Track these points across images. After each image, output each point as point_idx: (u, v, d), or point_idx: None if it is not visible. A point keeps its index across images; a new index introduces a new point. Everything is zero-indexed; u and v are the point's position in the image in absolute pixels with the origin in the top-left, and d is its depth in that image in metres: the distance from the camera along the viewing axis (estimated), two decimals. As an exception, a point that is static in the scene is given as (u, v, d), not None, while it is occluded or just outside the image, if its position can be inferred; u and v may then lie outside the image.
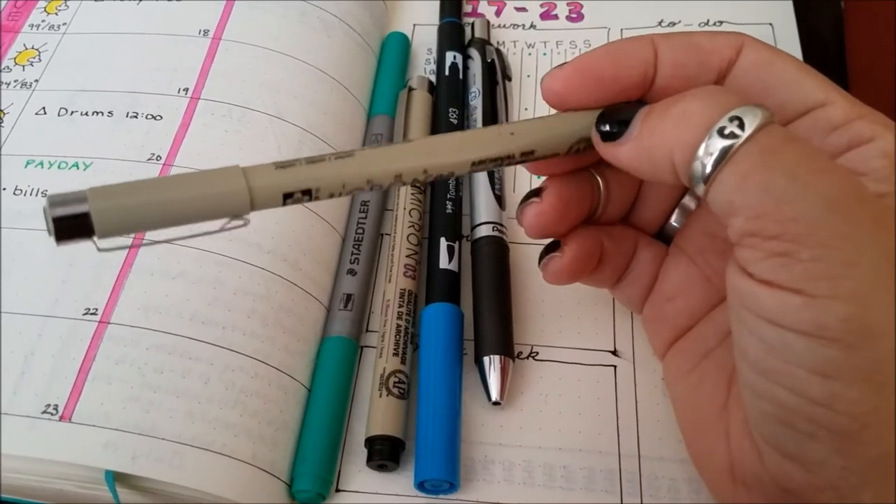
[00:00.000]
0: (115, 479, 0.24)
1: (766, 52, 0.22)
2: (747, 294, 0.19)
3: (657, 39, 0.23)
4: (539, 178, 0.36)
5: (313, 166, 0.21)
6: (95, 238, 0.18)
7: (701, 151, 0.19)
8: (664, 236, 0.27)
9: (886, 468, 0.18)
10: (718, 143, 0.19)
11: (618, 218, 0.27)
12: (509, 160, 0.23)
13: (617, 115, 0.22)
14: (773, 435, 0.20)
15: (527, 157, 0.23)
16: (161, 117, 0.32)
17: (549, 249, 0.26)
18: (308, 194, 0.21)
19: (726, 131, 0.19)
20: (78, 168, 0.31)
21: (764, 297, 0.18)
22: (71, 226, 0.18)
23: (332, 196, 0.21)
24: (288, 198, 0.20)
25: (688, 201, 0.27)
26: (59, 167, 0.31)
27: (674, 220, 0.27)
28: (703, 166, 0.19)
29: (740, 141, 0.18)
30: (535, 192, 0.25)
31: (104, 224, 0.18)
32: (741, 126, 0.19)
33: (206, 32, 0.35)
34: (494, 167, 0.23)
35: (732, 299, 0.20)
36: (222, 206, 0.19)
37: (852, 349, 0.18)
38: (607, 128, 0.22)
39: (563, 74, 0.23)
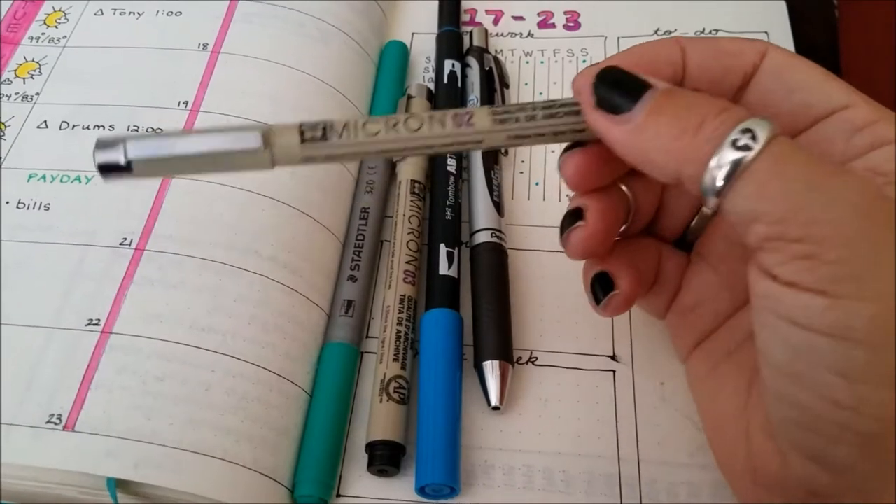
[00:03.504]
0: (118, 485, 0.24)
1: (789, 57, 0.23)
2: (772, 297, 0.19)
3: (684, 42, 0.23)
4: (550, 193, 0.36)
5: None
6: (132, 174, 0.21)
7: (713, 163, 0.19)
8: (684, 243, 0.27)
9: None
10: (730, 155, 0.19)
11: (642, 229, 0.27)
12: (531, 108, 0.22)
13: (622, 84, 0.21)
14: (798, 439, 0.20)
15: (551, 101, 0.22)
16: (161, 130, 0.33)
17: (604, 287, 0.25)
18: (322, 126, 0.22)
19: (739, 143, 0.19)
20: (80, 182, 0.31)
21: (789, 299, 0.18)
22: (112, 168, 0.21)
23: (345, 130, 0.22)
24: (302, 127, 0.22)
25: (707, 208, 0.27)
26: (61, 181, 0.31)
27: (693, 226, 0.27)
28: (715, 178, 0.19)
29: (755, 152, 0.19)
30: (578, 215, 0.24)
31: (140, 169, 0.21)
32: (754, 138, 0.19)
33: (205, 46, 0.35)
34: (515, 121, 0.22)
35: (757, 303, 0.20)
36: (241, 141, 0.21)
37: (879, 350, 0.18)
38: (606, 95, 0.21)
39: (588, 71, 0.22)
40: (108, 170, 0.21)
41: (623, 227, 0.26)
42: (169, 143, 0.21)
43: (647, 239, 0.27)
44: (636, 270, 0.26)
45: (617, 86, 0.21)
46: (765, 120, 0.19)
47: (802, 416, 0.19)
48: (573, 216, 0.24)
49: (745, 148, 0.19)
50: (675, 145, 0.20)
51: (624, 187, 0.25)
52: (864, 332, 0.17)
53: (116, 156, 0.21)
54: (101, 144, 0.21)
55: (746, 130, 0.19)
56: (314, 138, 0.22)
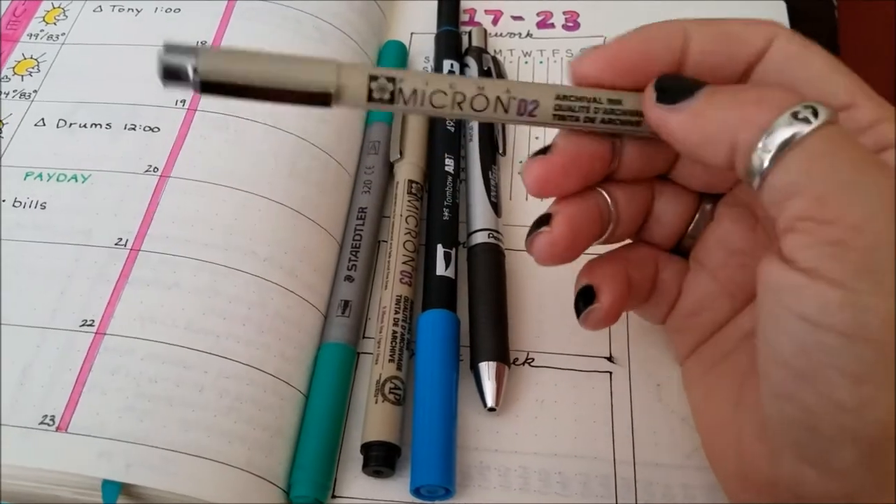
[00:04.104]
0: (121, 489, 0.24)
1: (798, 45, 0.22)
2: (786, 288, 0.19)
3: (689, 26, 0.23)
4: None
5: (402, 70, 0.22)
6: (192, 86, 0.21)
7: (768, 132, 0.19)
8: (681, 248, 0.27)
9: None
10: (787, 130, 0.19)
11: (628, 236, 0.27)
12: (596, 103, 0.22)
13: (681, 81, 0.22)
14: (795, 439, 0.20)
15: (614, 106, 0.22)
16: (159, 129, 0.32)
17: (585, 300, 0.25)
18: (392, 82, 0.21)
19: (800, 115, 0.19)
20: (76, 181, 0.31)
21: (804, 289, 0.18)
22: (176, 73, 0.21)
23: (414, 94, 0.22)
24: (373, 80, 0.21)
25: (703, 215, 0.26)
26: (57, 179, 0.31)
27: (688, 234, 0.27)
28: (767, 146, 0.19)
29: (812, 127, 0.19)
30: (545, 220, 0.24)
31: (204, 77, 0.21)
32: (815, 114, 0.19)
33: (204, 44, 0.35)
34: (575, 119, 0.23)
35: (767, 297, 0.20)
36: (311, 77, 0.21)
37: (888, 350, 0.17)
38: (668, 90, 0.22)
39: (591, 60, 0.23)
40: (171, 76, 0.21)
41: (606, 235, 0.26)
42: (241, 63, 0.21)
43: (644, 248, 0.27)
44: (623, 284, 0.25)
45: (677, 82, 0.22)
46: (825, 105, 0.19)
47: (803, 416, 0.19)
48: (540, 221, 0.24)
49: (805, 121, 0.19)
50: (734, 114, 0.20)
51: (606, 194, 0.25)
52: (877, 330, 0.17)
53: (184, 63, 0.20)
54: (170, 49, 0.21)
55: (809, 106, 0.19)
56: (382, 100, 0.22)
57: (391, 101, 0.22)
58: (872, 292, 0.17)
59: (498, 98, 0.22)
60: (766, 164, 0.19)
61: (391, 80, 0.22)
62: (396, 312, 0.30)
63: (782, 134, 0.19)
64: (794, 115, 0.19)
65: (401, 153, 0.35)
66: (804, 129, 0.19)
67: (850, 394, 0.18)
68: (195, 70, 0.20)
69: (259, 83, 0.21)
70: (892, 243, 0.17)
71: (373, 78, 0.21)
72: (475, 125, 0.36)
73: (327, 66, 0.21)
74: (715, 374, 0.25)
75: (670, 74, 0.22)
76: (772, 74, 0.22)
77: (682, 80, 0.22)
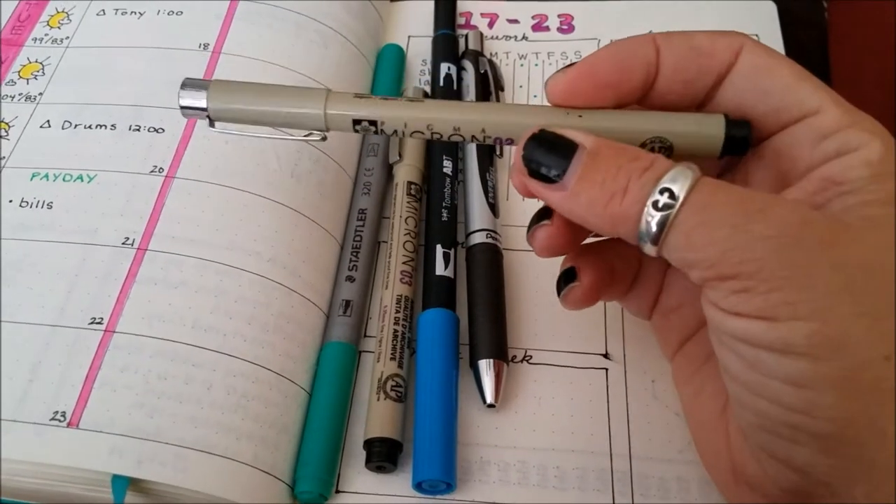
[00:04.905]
0: (129, 484, 0.25)
1: (765, 56, 0.23)
2: (720, 320, 0.20)
3: (659, 40, 0.23)
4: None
5: (385, 102, 0.24)
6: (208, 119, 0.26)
7: (643, 224, 0.20)
8: None
9: (874, 466, 0.19)
10: (655, 215, 0.20)
11: None
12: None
13: (548, 154, 0.22)
14: (761, 442, 0.21)
15: None
16: (163, 130, 0.33)
17: (567, 279, 0.26)
18: (374, 125, 0.24)
19: (660, 204, 0.20)
20: (82, 180, 0.31)
21: (734, 324, 0.20)
22: (193, 111, 0.25)
23: (395, 134, 0.24)
24: (357, 124, 0.24)
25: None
26: (63, 179, 0.31)
27: None
28: (647, 235, 0.20)
29: (675, 209, 0.20)
30: (545, 214, 0.25)
31: (216, 114, 0.25)
32: (672, 196, 0.20)
33: (206, 46, 0.36)
34: None
35: (709, 322, 0.21)
36: (304, 122, 0.25)
37: (820, 360, 0.19)
38: (536, 166, 0.22)
39: (567, 79, 0.23)
40: (188, 108, 0.25)
41: None
42: (244, 97, 0.25)
43: None
44: (604, 270, 0.26)
45: (545, 151, 0.22)
46: (685, 169, 0.20)
47: (762, 421, 0.20)
48: (541, 215, 0.25)
49: (667, 207, 0.20)
50: (606, 211, 0.21)
51: None
52: (804, 346, 0.19)
53: (198, 101, 0.25)
54: (187, 85, 0.25)
55: (664, 190, 0.20)
56: (366, 129, 0.24)
57: (376, 133, 0.25)
58: (791, 318, 0.19)
59: (473, 136, 0.24)
60: (652, 236, 0.20)
61: (373, 123, 0.24)
62: (397, 312, 0.31)
63: (654, 219, 0.20)
64: (655, 206, 0.20)
65: (400, 155, 0.35)
66: (670, 211, 0.20)
67: (796, 398, 0.19)
68: (206, 108, 0.25)
69: (257, 123, 0.25)
70: (793, 274, 0.19)
71: (356, 122, 0.24)
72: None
73: (315, 111, 0.24)
74: (703, 372, 0.26)
75: (536, 137, 0.23)
76: (741, 85, 0.23)
77: (550, 149, 0.22)
